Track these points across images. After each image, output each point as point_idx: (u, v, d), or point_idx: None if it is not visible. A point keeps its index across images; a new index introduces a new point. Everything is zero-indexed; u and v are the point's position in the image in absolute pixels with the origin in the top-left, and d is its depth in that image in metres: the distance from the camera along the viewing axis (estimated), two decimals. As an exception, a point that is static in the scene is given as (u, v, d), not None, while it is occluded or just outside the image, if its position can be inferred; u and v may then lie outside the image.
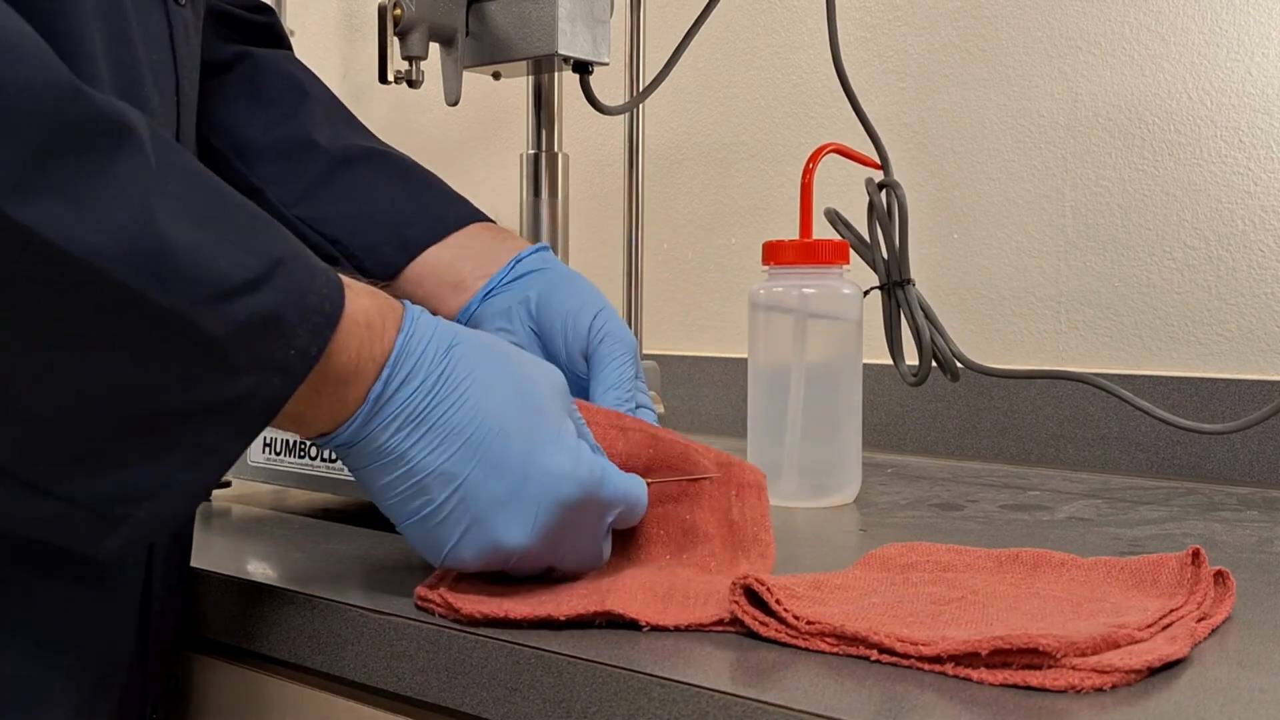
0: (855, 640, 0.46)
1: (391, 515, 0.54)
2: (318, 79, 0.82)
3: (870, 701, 0.42)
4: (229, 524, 0.76)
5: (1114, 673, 0.43)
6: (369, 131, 0.81)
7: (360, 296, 0.50)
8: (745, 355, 0.85)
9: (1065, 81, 1.08)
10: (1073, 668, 0.43)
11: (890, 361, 0.95)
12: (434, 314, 0.54)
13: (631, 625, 0.51)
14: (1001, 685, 0.43)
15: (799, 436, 0.82)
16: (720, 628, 0.51)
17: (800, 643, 0.48)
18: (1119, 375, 1.02)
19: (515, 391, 0.53)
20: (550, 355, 0.70)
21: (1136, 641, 0.46)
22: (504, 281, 0.73)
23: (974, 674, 0.44)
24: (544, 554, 0.54)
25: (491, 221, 0.78)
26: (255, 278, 0.45)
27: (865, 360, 0.85)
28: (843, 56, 0.96)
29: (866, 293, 0.86)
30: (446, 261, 0.74)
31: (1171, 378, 1.01)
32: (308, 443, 0.75)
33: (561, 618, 0.51)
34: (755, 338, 0.84)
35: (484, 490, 0.51)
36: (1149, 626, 0.48)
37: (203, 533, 0.72)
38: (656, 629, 0.51)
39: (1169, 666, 0.46)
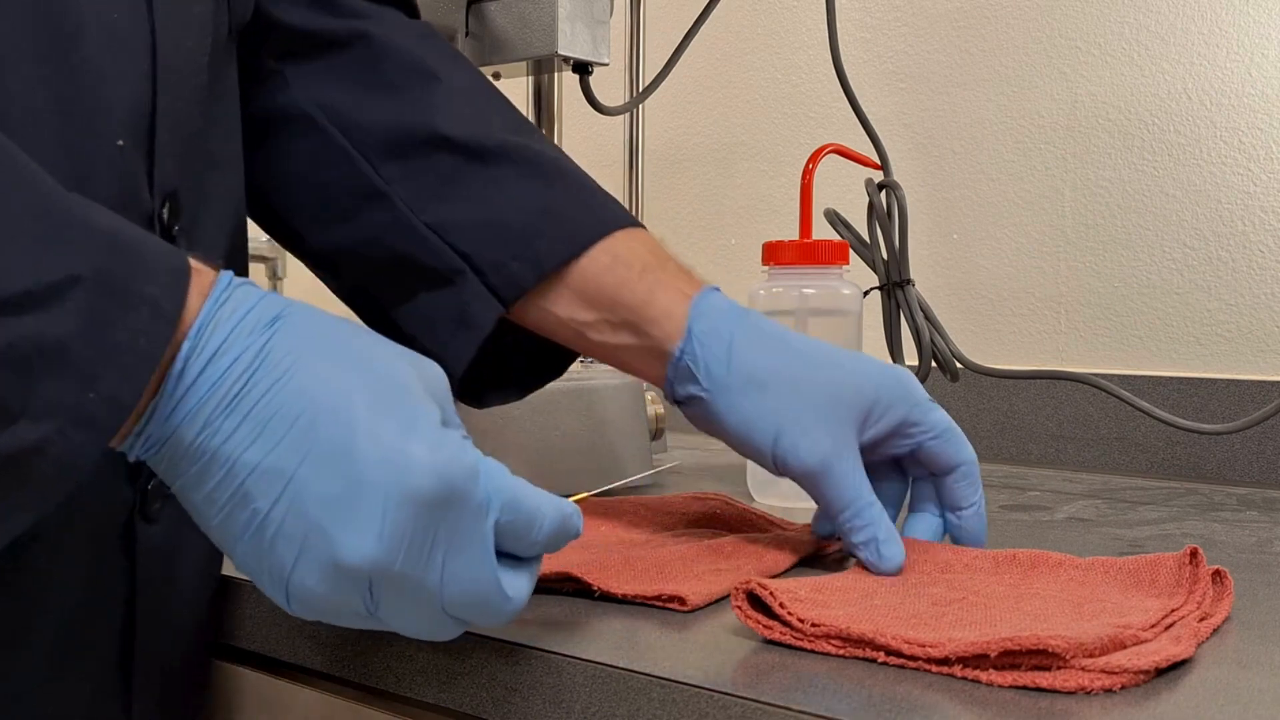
0: (861, 642, 0.46)
1: (221, 541, 0.43)
2: (456, 57, 0.70)
3: (871, 702, 0.42)
4: (228, 524, 0.76)
5: (1122, 674, 0.43)
6: (516, 119, 0.69)
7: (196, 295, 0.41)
8: (745, 355, 0.85)
9: (1065, 82, 1.08)
10: (1082, 669, 0.43)
11: (890, 362, 0.95)
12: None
13: (585, 593, 0.55)
14: (1010, 687, 0.43)
15: (799, 437, 0.81)
16: (661, 603, 0.54)
17: (805, 644, 0.47)
18: (1118, 375, 1.02)
19: (357, 369, 0.42)
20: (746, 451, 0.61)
21: (1141, 642, 0.46)
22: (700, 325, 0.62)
23: (983, 675, 0.43)
24: (409, 573, 0.42)
25: (641, 226, 0.67)
26: (27, 294, 0.36)
27: (865, 360, 0.85)
28: (843, 57, 0.96)
29: (866, 293, 0.86)
30: (610, 287, 0.63)
31: (1171, 378, 1.01)
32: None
33: None
34: (755, 338, 0.84)
35: (316, 487, 0.40)
36: (1152, 627, 0.48)
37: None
38: (606, 595, 0.54)
39: (1173, 667, 0.45)
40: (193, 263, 0.42)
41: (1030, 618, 0.49)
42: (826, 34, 0.96)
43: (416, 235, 0.63)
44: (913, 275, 0.91)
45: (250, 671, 0.63)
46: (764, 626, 0.48)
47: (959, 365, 0.93)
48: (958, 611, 0.50)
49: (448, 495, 0.42)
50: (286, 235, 0.69)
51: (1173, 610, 0.50)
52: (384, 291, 0.66)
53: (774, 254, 0.83)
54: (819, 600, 0.51)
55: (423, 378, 0.44)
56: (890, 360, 0.95)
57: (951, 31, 1.14)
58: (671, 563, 0.58)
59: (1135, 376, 1.02)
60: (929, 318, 0.92)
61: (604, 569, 0.56)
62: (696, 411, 0.62)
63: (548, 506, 0.45)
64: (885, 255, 0.91)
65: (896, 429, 0.61)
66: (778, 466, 0.60)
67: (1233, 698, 0.43)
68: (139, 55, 0.50)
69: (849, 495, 0.58)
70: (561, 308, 0.64)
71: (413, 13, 0.73)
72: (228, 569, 0.62)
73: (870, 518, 0.58)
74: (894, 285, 0.91)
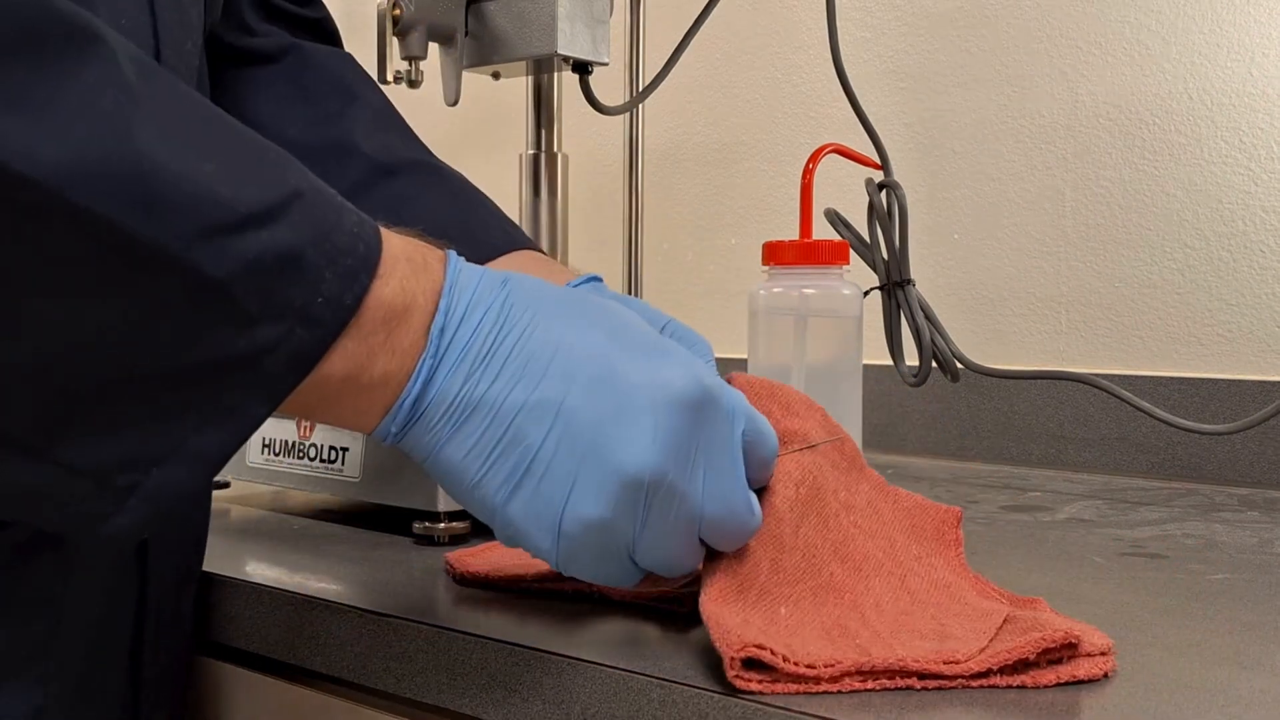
0: (890, 673, 0.43)
1: (483, 501, 0.44)
2: (372, 82, 0.75)
3: (872, 702, 0.42)
4: (228, 525, 0.76)
5: (1109, 653, 0.45)
6: (422, 144, 0.75)
7: (396, 235, 0.45)
8: (745, 356, 0.85)
9: (1065, 82, 1.08)
10: (1087, 655, 0.44)
11: (890, 362, 0.95)
12: None
13: (589, 598, 0.55)
14: (1053, 686, 0.43)
15: (799, 437, 0.81)
16: (660, 604, 0.53)
17: (827, 688, 0.43)
18: (1119, 376, 1.02)
19: (590, 313, 0.46)
20: None
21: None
22: None
23: (1027, 680, 0.43)
24: (678, 483, 0.44)
25: (540, 251, 0.72)
26: (265, 210, 0.39)
27: (865, 361, 0.84)
28: (843, 56, 0.96)
29: (867, 293, 0.85)
30: None
31: (1172, 378, 1.01)
32: (307, 443, 0.74)
33: (529, 575, 0.54)
34: (755, 338, 0.84)
35: (588, 410, 0.43)
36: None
37: (202, 533, 0.72)
38: (606, 596, 0.54)
39: (1169, 666, 0.45)
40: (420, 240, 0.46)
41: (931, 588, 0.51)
42: (827, 34, 0.96)
43: None
44: (913, 275, 0.91)
45: (250, 673, 0.63)
46: (769, 683, 0.43)
47: (959, 365, 0.93)
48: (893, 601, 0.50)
49: (705, 399, 0.44)
50: None
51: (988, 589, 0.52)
52: None
53: (774, 254, 0.83)
54: (781, 620, 0.47)
55: (637, 313, 0.47)
56: (891, 360, 0.95)
57: (952, 31, 1.14)
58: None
59: (1136, 376, 1.02)
60: (929, 318, 0.92)
61: None
62: None
63: (770, 428, 0.48)
64: (886, 255, 0.91)
65: None
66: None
67: (1234, 698, 0.43)
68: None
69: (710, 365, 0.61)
70: None
71: (337, 43, 0.79)
72: (228, 568, 0.62)
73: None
74: (894, 285, 0.91)
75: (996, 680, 0.43)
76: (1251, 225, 1.00)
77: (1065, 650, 0.44)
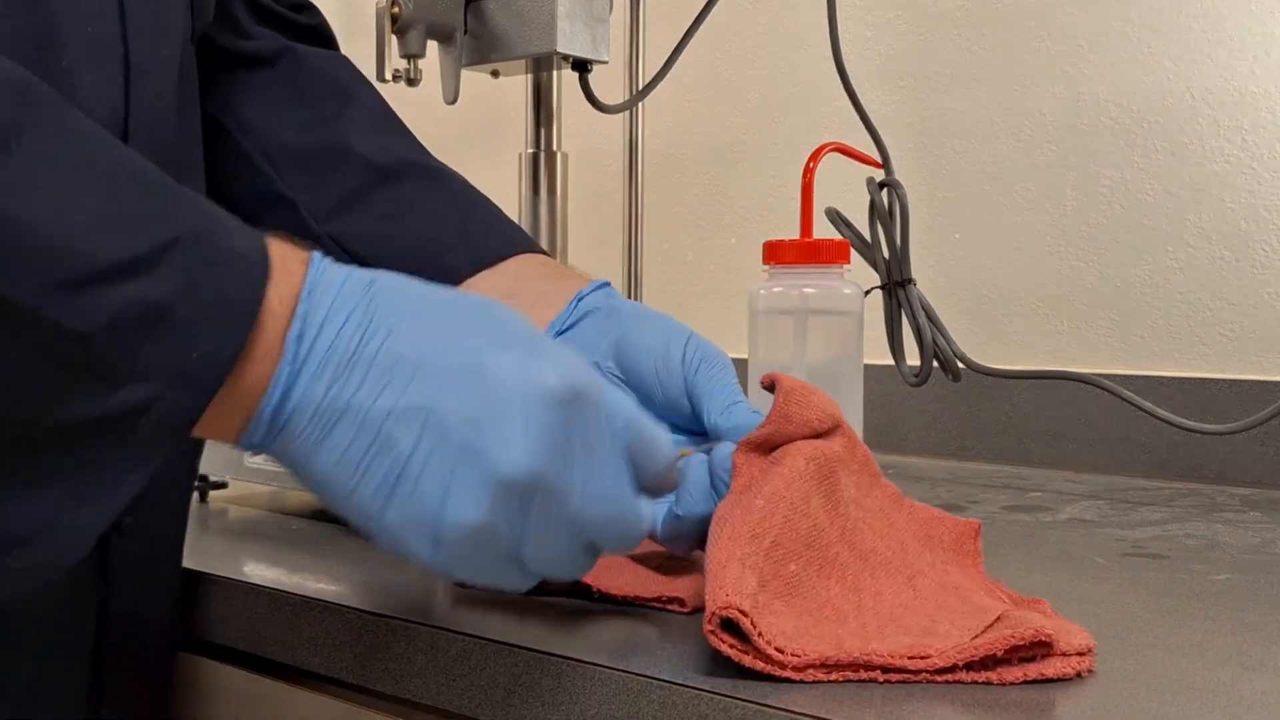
0: (855, 665, 0.44)
1: (359, 510, 0.42)
2: (369, 84, 0.74)
3: (872, 703, 0.42)
4: (225, 525, 0.76)
5: (1088, 654, 0.44)
6: (420, 145, 0.73)
7: (274, 246, 0.43)
8: (746, 355, 0.85)
9: (1067, 81, 1.08)
10: (1063, 654, 0.44)
11: (891, 362, 0.95)
12: None
13: (584, 595, 0.54)
14: (1020, 683, 0.43)
15: (799, 437, 0.81)
16: (660, 605, 0.53)
17: (791, 676, 0.43)
18: (1121, 376, 1.02)
19: (462, 312, 0.44)
20: (646, 406, 0.60)
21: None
22: (566, 325, 0.63)
23: (993, 676, 0.43)
24: (556, 482, 0.42)
25: (545, 254, 0.70)
26: (131, 261, 0.37)
27: (866, 360, 0.84)
28: (844, 55, 0.96)
29: (867, 292, 0.85)
30: (498, 299, 0.68)
31: (1174, 378, 1.00)
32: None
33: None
34: (756, 338, 0.84)
35: (458, 412, 0.41)
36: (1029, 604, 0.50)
37: (199, 534, 0.72)
38: (605, 597, 0.54)
39: (1167, 667, 0.45)
40: (283, 241, 0.44)
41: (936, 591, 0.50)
42: (828, 32, 0.95)
43: (318, 244, 0.64)
44: (914, 274, 0.91)
45: (248, 674, 0.63)
46: (740, 652, 0.44)
47: (961, 365, 0.93)
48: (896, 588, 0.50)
49: (578, 395, 0.43)
50: None
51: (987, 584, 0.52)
52: None
53: (775, 253, 0.82)
54: (795, 608, 0.47)
55: (514, 312, 0.46)
56: (892, 360, 0.95)
57: (953, 30, 1.14)
58: (671, 564, 0.58)
59: (1138, 376, 1.02)
60: (930, 317, 0.91)
61: (603, 570, 0.55)
62: (597, 326, 0.63)
63: (665, 434, 0.47)
64: (887, 254, 0.91)
65: None
66: (688, 361, 0.60)
67: (1235, 699, 0.42)
68: (113, 67, 0.51)
69: (735, 384, 0.59)
70: None
71: (333, 47, 0.77)
72: (225, 569, 0.62)
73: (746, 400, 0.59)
74: (895, 285, 0.91)
75: (962, 676, 0.43)
76: (1254, 225, 0.99)
77: (1037, 649, 0.44)
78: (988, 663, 0.43)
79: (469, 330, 0.43)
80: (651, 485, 0.47)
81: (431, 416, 0.41)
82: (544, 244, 0.99)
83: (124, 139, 0.52)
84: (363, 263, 0.64)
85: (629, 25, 1.04)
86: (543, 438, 0.42)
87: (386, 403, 0.41)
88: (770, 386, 0.55)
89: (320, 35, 0.76)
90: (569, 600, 0.55)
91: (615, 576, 0.55)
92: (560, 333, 0.63)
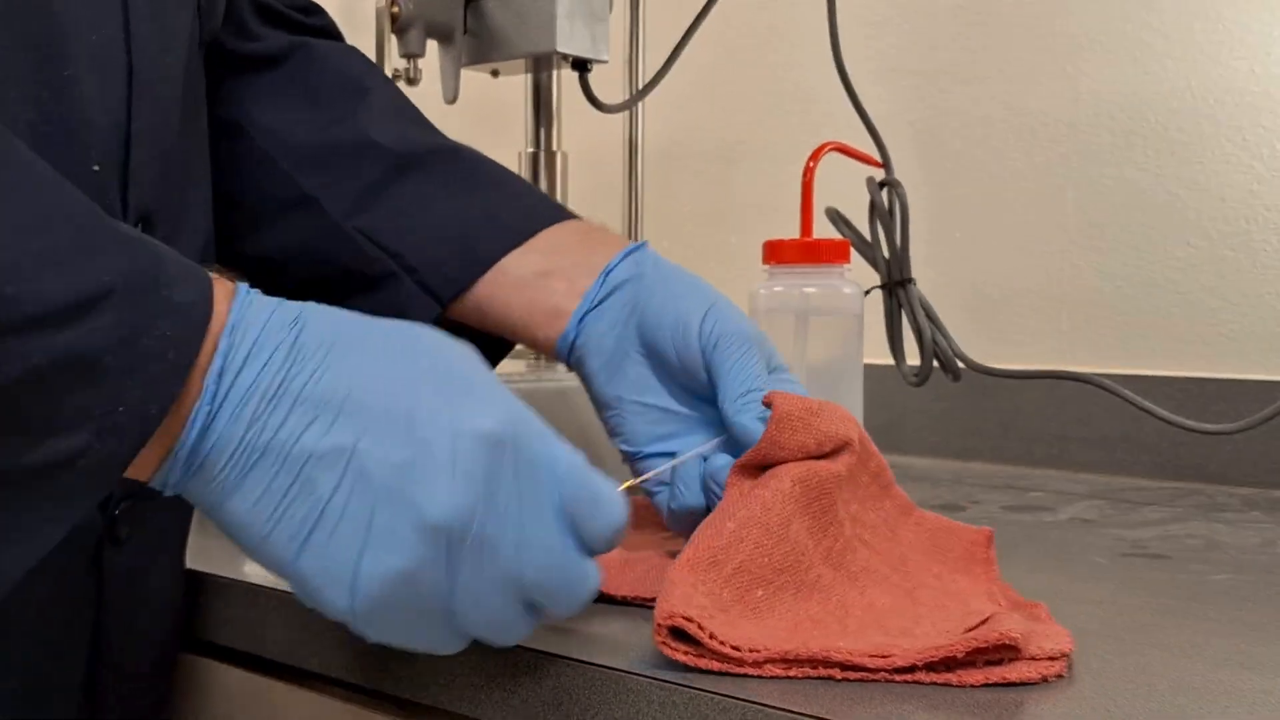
0: (814, 662, 0.44)
1: (273, 556, 0.41)
2: (382, 74, 0.73)
3: (872, 703, 0.41)
4: (226, 524, 0.76)
5: (1061, 659, 0.44)
6: (439, 132, 0.72)
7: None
8: (745, 355, 0.85)
9: (1067, 79, 1.08)
10: (1032, 658, 0.43)
11: (892, 361, 0.95)
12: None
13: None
14: (982, 685, 0.43)
15: (800, 436, 0.81)
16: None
17: (750, 672, 0.44)
18: (1122, 375, 1.01)
19: (396, 348, 0.42)
20: (672, 383, 0.59)
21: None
22: (595, 302, 0.61)
23: (953, 678, 0.43)
24: (486, 530, 0.40)
25: (577, 218, 0.67)
26: (61, 310, 0.35)
27: (866, 360, 0.84)
28: (844, 54, 0.96)
29: (868, 292, 0.85)
30: (531, 278, 0.63)
31: (1175, 378, 1.00)
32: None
33: None
34: (756, 337, 0.84)
35: (383, 453, 0.39)
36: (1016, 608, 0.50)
37: (199, 534, 0.72)
38: (605, 597, 0.53)
39: (1165, 666, 0.45)
40: (212, 274, 0.42)
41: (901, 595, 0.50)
42: (828, 30, 0.95)
43: (346, 239, 0.64)
44: (914, 274, 0.91)
45: (247, 674, 0.63)
46: (694, 656, 0.44)
47: (961, 365, 0.93)
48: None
49: (511, 440, 0.41)
50: (219, 242, 0.68)
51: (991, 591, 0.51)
52: (320, 296, 0.66)
53: (775, 253, 0.82)
54: (744, 600, 0.48)
55: (452, 345, 0.44)
56: (893, 360, 0.94)
57: (953, 28, 1.14)
58: (671, 565, 0.58)
59: (1139, 376, 1.01)
60: (931, 317, 0.91)
61: (603, 571, 0.55)
62: (623, 299, 0.61)
63: (614, 494, 0.44)
64: (887, 254, 0.90)
65: None
66: (705, 337, 0.58)
67: (1236, 699, 0.42)
68: (116, 76, 0.50)
69: (755, 366, 0.57)
70: (499, 303, 0.63)
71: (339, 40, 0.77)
72: (226, 568, 0.62)
73: (766, 384, 0.57)
74: (895, 284, 0.91)
75: (920, 676, 0.43)
76: (1255, 224, 0.99)
77: (1004, 651, 0.43)
78: (949, 664, 0.43)
79: (398, 367, 0.41)
80: (597, 547, 0.44)
81: (355, 457, 0.39)
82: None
83: (126, 147, 0.51)
84: (392, 254, 0.63)
85: (629, 25, 1.04)
86: (470, 480, 0.40)
87: (309, 442, 0.39)
88: (769, 407, 0.55)
89: (328, 37, 0.76)
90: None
91: (615, 576, 0.55)
92: (589, 310, 0.61)
